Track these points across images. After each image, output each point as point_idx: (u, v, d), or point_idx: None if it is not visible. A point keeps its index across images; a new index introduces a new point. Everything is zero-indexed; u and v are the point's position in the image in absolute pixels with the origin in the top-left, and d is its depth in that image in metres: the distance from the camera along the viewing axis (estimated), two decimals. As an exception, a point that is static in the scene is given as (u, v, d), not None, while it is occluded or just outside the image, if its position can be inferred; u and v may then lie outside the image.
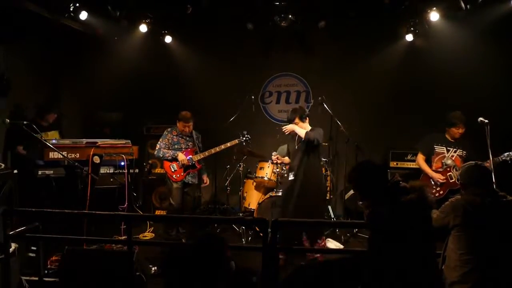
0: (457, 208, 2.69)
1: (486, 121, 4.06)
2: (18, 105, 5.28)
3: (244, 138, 5.15)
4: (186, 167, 5.04)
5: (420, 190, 2.51)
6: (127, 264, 3.22)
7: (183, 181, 5.05)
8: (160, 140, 5.11)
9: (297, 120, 4.45)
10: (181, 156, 5.00)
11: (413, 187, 2.53)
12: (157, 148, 5.09)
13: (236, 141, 5.14)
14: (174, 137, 5.11)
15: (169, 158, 5.02)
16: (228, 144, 5.09)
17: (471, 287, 2.53)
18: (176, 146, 5.07)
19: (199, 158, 5.07)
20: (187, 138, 5.14)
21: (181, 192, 5.06)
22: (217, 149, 5.07)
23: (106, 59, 6.27)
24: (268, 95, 6.98)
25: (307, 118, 4.54)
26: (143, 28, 6.03)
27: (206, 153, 5.07)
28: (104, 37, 6.12)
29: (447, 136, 4.68)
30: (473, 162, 2.90)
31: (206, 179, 5.35)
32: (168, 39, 6.50)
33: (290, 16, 5.97)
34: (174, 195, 5.05)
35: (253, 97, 6.22)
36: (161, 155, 5.04)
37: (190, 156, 5.04)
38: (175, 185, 5.03)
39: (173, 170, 5.02)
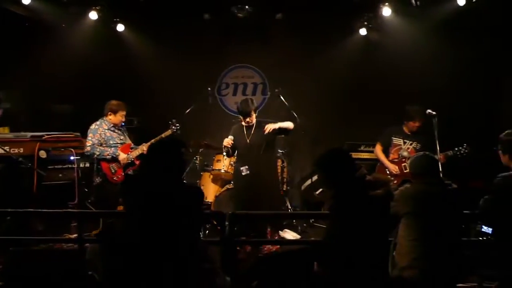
0: (407, 197, 2.77)
1: (434, 113, 4.24)
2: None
3: (175, 127, 4.87)
4: (125, 166, 4.61)
5: (386, 185, 2.57)
6: (78, 263, 3.08)
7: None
8: (91, 135, 4.48)
9: (252, 113, 4.41)
10: (122, 156, 4.53)
11: (378, 181, 2.58)
12: (89, 145, 4.44)
13: (170, 131, 4.84)
14: (106, 131, 4.55)
15: (109, 157, 4.49)
16: (163, 136, 4.76)
17: (420, 271, 2.62)
18: (111, 142, 4.55)
19: (137, 154, 4.66)
20: (119, 132, 4.68)
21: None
22: (153, 141, 4.58)
23: (54, 48, 5.95)
24: (225, 86, 6.91)
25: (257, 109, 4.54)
26: (93, 15, 5.78)
27: (144, 148, 4.61)
28: (51, 24, 5.79)
29: (404, 128, 4.86)
30: (422, 152, 3.01)
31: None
32: (120, 27, 6.26)
33: (247, 7, 5.94)
34: (114, 198, 4.50)
35: (209, 88, 6.13)
36: (98, 153, 4.44)
37: (128, 153, 4.64)
38: (115, 188, 4.50)
39: (113, 171, 4.52)
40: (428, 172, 2.85)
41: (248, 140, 4.46)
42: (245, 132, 4.49)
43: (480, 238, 3.61)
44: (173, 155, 2.52)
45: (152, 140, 4.60)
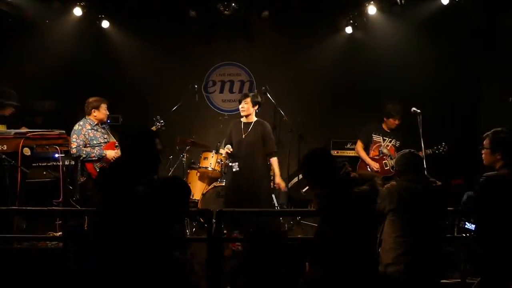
0: (392, 194, 2.82)
1: (419, 111, 4.31)
2: None
3: (159, 124, 4.89)
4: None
5: (372, 181, 2.60)
6: (63, 262, 3.05)
7: None
8: (75, 137, 4.34)
9: (248, 99, 4.44)
10: (110, 153, 4.39)
11: (363, 177, 2.61)
12: (74, 146, 4.31)
13: (154, 127, 4.86)
14: (90, 131, 4.42)
15: (95, 159, 4.37)
16: None
17: (404, 267, 2.67)
18: (94, 142, 4.42)
19: None
20: (102, 131, 4.56)
21: None
22: None
23: (37, 44, 5.86)
24: (212, 84, 6.89)
25: (257, 105, 4.52)
26: (77, 11, 5.70)
27: None
28: (34, 20, 5.69)
29: (384, 126, 4.96)
30: (407, 150, 3.05)
31: None
32: (105, 24, 6.18)
33: (233, 4, 5.93)
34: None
35: (196, 86, 6.11)
36: (85, 155, 4.31)
37: (116, 150, 4.48)
38: None
39: (97, 170, 4.39)
40: (413, 169, 2.90)
41: (243, 136, 4.48)
42: (242, 128, 4.51)
43: (463, 235, 3.69)
44: (144, 143, 2.49)
45: None
